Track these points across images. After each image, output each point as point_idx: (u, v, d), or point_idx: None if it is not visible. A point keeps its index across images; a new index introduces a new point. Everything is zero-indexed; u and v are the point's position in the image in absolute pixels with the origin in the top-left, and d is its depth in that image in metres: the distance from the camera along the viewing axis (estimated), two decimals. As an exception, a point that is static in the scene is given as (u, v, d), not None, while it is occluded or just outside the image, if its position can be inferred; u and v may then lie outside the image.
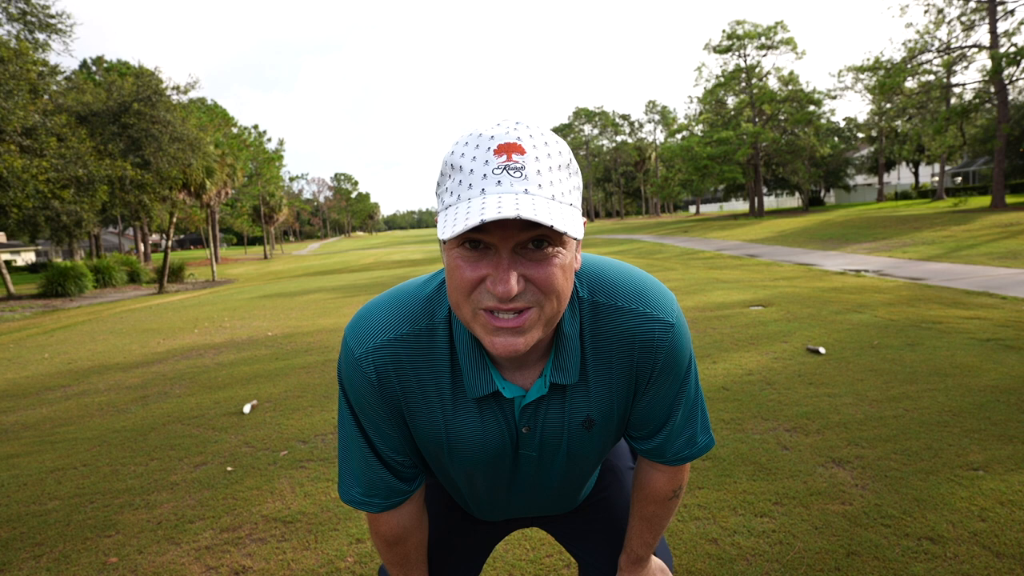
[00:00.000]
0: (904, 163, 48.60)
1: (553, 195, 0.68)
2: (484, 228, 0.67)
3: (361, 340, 0.84)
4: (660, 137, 70.29)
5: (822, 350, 4.57)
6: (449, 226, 0.65)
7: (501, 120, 0.73)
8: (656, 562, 1.11)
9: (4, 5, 17.82)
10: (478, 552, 1.18)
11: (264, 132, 55.94)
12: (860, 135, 45.11)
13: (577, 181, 0.74)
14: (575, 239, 0.72)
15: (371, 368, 0.83)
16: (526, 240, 0.68)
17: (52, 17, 18.92)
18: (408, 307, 0.84)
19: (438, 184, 0.74)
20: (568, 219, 0.67)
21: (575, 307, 0.83)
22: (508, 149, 0.67)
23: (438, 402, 0.85)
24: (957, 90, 27.40)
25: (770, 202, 55.06)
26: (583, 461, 0.95)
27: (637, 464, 1.04)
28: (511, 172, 0.66)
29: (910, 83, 28.07)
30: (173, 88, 21.94)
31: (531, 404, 0.85)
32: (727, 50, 39.84)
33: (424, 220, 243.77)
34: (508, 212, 0.62)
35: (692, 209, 75.23)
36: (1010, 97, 24.76)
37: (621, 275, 0.86)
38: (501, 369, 0.84)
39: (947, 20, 25.43)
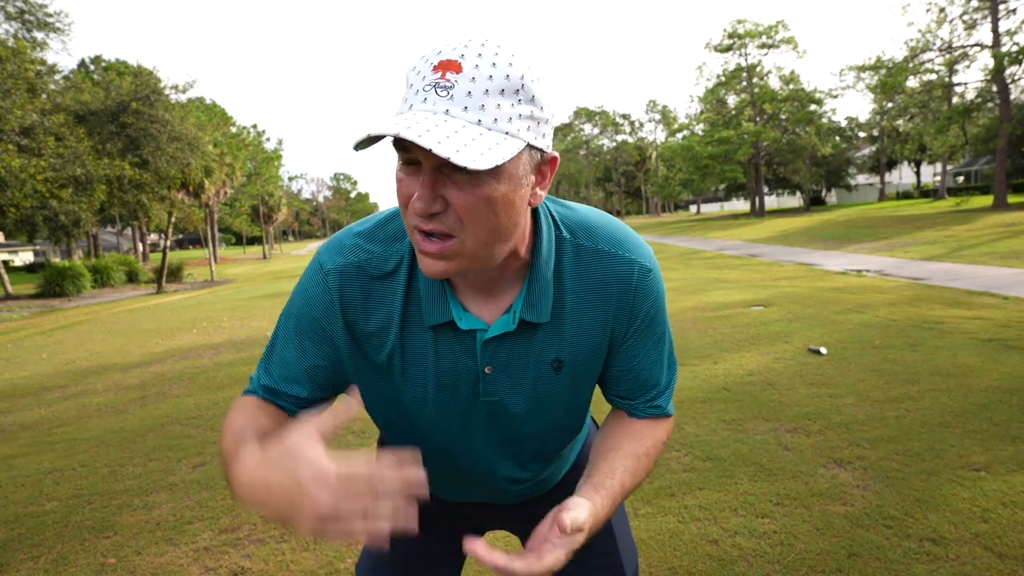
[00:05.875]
0: (906, 163, 48.58)
1: (480, 119, 0.63)
2: (408, 146, 0.64)
3: (332, 256, 0.83)
4: (661, 136, 70.20)
5: (823, 350, 4.56)
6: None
7: (470, 38, 0.68)
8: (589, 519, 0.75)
9: (2, 4, 17.81)
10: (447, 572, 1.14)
11: (263, 131, 55.92)
12: (861, 134, 45.10)
13: (529, 109, 0.66)
14: (485, 169, 0.62)
15: (336, 282, 0.82)
16: (446, 162, 0.64)
17: (50, 16, 18.95)
18: (381, 230, 0.84)
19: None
20: (485, 148, 0.61)
21: (552, 245, 0.82)
22: (445, 67, 0.64)
23: (396, 326, 0.83)
24: (959, 89, 27.41)
25: (771, 202, 55.03)
26: (550, 409, 0.91)
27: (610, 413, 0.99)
28: (438, 91, 0.63)
29: (912, 82, 28.08)
30: (171, 87, 21.92)
31: (493, 340, 0.82)
32: (728, 49, 39.83)
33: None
34: (398, 131, 0.59)
35: (693, 209, 75.15)
36: (1012, 96, 24.67)
37: (601, 221, 0.87)
38: (464, 299, 0.81)
39: (949, 19, 25.43)
